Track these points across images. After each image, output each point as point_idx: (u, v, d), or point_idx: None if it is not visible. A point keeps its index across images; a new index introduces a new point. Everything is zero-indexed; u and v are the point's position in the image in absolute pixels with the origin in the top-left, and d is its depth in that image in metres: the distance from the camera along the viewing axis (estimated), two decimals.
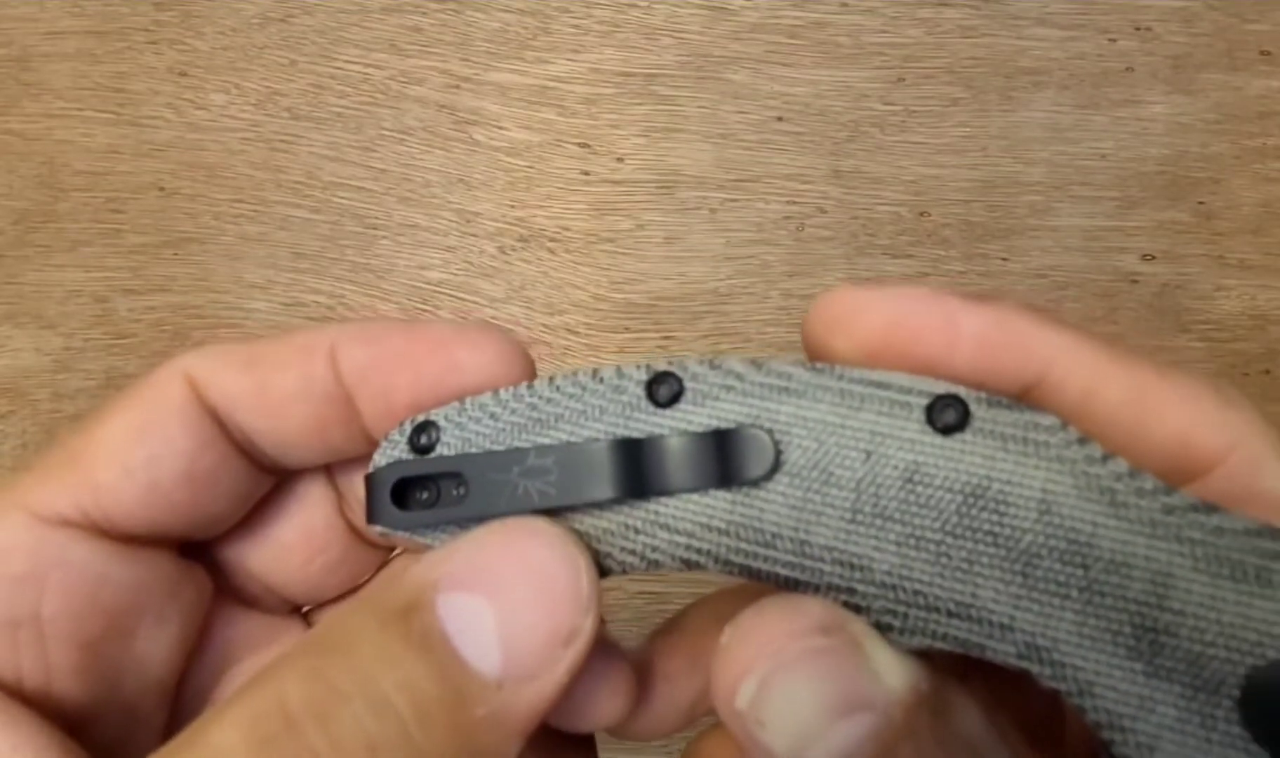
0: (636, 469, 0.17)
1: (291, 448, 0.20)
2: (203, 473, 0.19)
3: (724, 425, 0.17)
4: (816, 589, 0.17)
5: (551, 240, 0.43)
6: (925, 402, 0.17)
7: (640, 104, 0.43)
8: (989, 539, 0.16)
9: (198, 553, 0.21)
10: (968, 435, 0.17)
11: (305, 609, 0.23)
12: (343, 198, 0.43)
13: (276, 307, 0.43)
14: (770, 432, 0.17)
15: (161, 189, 0.44)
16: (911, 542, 0.17)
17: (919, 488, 0.17)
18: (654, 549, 0.18)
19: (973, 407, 0.17)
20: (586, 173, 0.43)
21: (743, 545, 0.17)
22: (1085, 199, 0.42)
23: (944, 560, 0.16)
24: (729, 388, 0.17)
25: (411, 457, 0.19)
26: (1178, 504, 0.16)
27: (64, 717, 0.18)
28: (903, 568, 0.17)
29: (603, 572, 0.18)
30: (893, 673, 0.16)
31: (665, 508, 0.17)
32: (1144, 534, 0.16)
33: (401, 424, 0.19)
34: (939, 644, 0.17)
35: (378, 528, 0.19)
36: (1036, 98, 0.42)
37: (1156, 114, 0.42)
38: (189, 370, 0.19)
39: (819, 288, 0.42)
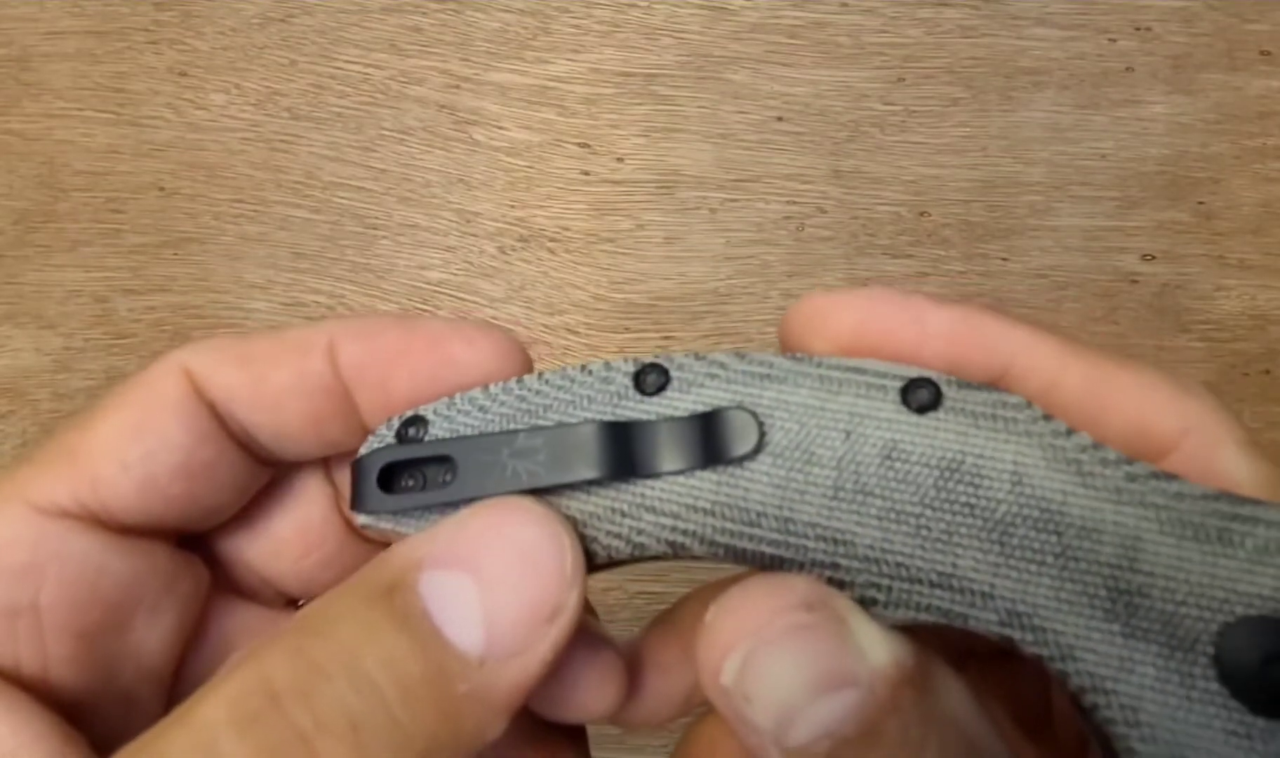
0: (623, 450, 0.18)
1: (289, 441, 0.20)
2: (200, 466, 0.19)
3: (709, 409, 0.18)
4: (801, 567, 0.17)
5: (551, 240, 0.43)
6: (900, 384, 0.18)
7: (640, 104, 0.43)
8: (966, 511, 0.17)
9: (195, 545, 0.21)
10: (941, 414, 0.17)
11: (301, 602, 0.23)
12: (343, 198, 0.43)
13: (276, 307, 0.43)
14: (754, 413, 0.18)
15: (161, 189, 0.44)
16: (892, 516, 0.17)
17: (897, 464, 0.17)
18: (640, 532, 0.18)
19: (944, 388, 0.18)
20: (586, 173, 0.43)
21: (728, 525, 0.18)
22: (1085, 199, 0.42)
23: (924, 533, 0.17)
24: (713, 375, 0.18)
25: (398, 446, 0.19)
26: (1139, 473, 0.17)
27: (61, 705, 0.18)
28: (884, 541, 0.17)
29: (589, 559, 0.18)
30: (877, 648, 0.16)
31: (651, 490, 0.18)
32: (1111, 501, 0.17)
33: (389, 420, 0.19)
34: (923, 616, 0.17)
35: (362, 517, 0.19)
36: (1036, 98, 0.42)
37: (1156, 114, 0.42)
38: (187, 364, 0.19)
39: (819, 288, 0.42)
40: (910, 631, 0.17)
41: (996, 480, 0.17)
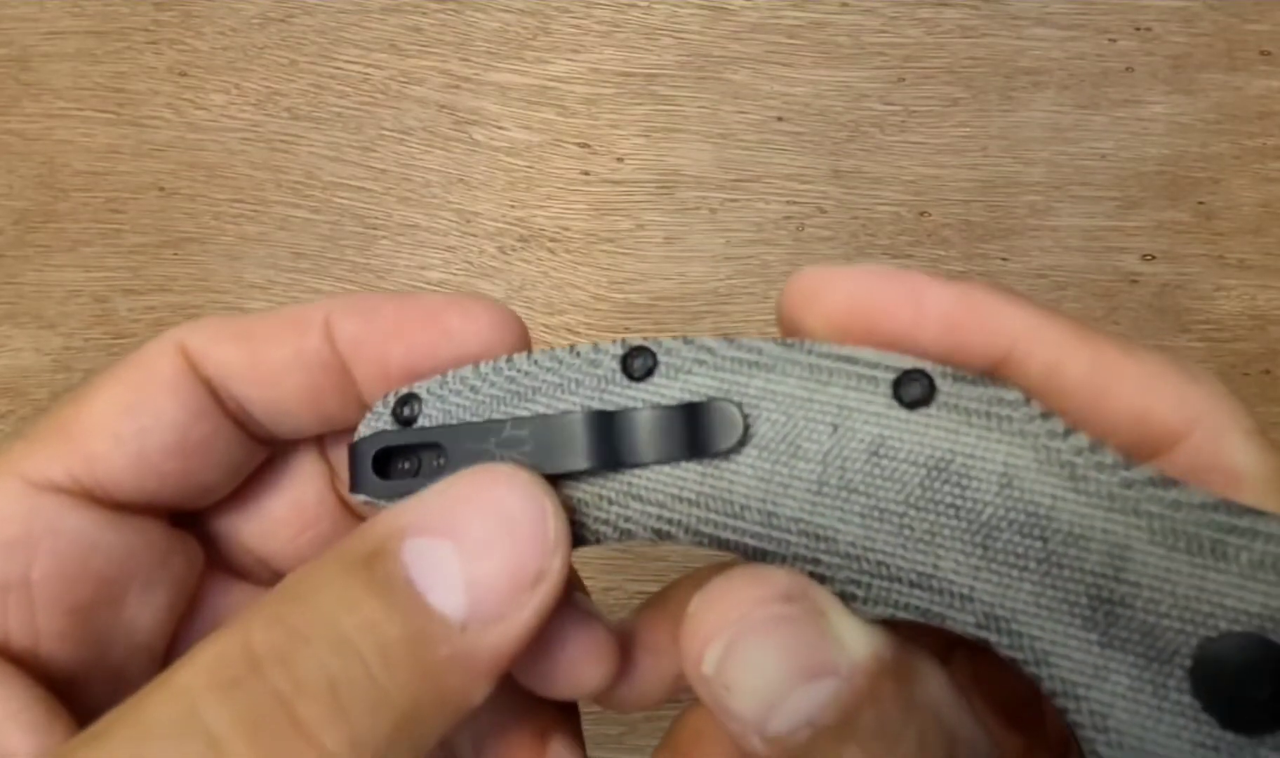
0: (609, 441, 0.18)
1: (286, 418, 0.20)
2: (195, 443, 0.19)
3: (695, 399, 0.18)
4: (783, 560, 0.17)
5: (551, 240, 0.43)
6: (892, 376, 0.17)
7: (640, 104, 0.43)
8: (951, 512, 0.17)
9: (190, 523, 0.21)
10: (933, 410, 0.17)
11: None
12: (343, 198, 0.43)
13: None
14: (740, 405, 0.17)
15: (161, 189, 0.44)
16: (875, 514, 0.17)
17: (884, 461, 0.17)
18: (627, 519, 0.18)
19: (938, 381, 0.17)
20: (586, 173, 0.43)
21: (712, 516, 0.18)
22: (1085, 199, 0.42)
23: (907, 532, 0.17)
24: (701, 362, 0.18)
25: (395, 428, 0.19)
26: (1136, 478, 0.16)
27: (51, 680, 0.18)
28: (866, 540, 0.17)
29: (578, 541, 0.18)
30: (855, 640, 0.17)
31: (638, 479, 0.18)
32: (1102, 508, 0.16)
33: (385, 397, 0.19)
34: (901, 614, 0.17)
35: (360, 497, 0.19)
36: (1036, 98, 0.42)
37: (1156, 114, 0.42)
38: (183, 342, 0.19)
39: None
40: (892, 622, 0.17)
41: (984, 482, 0.17)
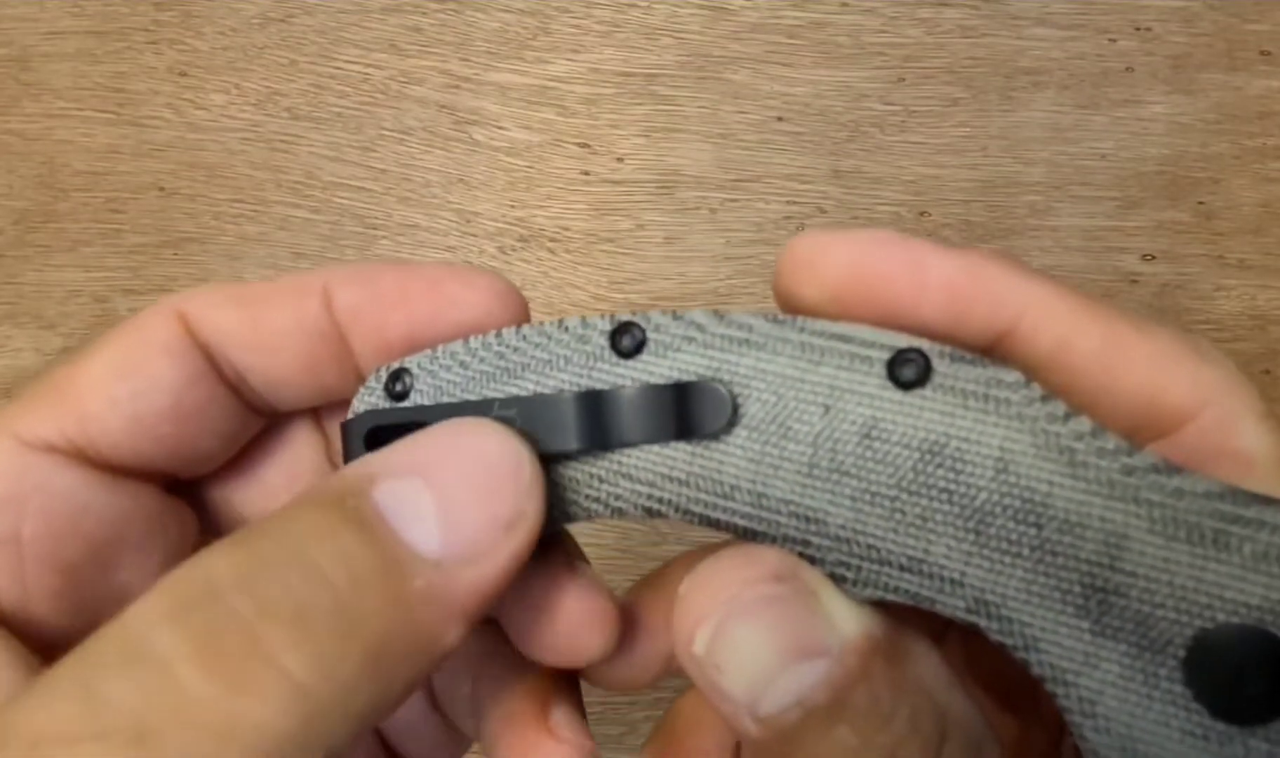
0: (598, 421, 0.17)
1: (283, 386, 0.20)
2: (190, 408, 0.19)
3: (684, 378, 0.17)
4: (773, 541, 0.17)
5: (551, 240, 0.43)
6: (887, 356, 0.17)
7: (640, 104, 0.43)
8: (944, 496, 0.16)
9: (185, 492, 0.21)
10: (928, 391, 0.16)
11: None
12: (343, 198, 0.43)
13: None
14: (729, 385, 0.17)
15: (161, 189, 0.44)
16: (866, 497, 0.17)
17: (876, 444, 0.17)
18: (617, 498, 0.18)
19: (935, 361, 0.16)
20: (586, 173, 0.43)
21: (702, 496, 0.17)
22: (1085, 199, 0.42)
23: (898, 516, 0.16)
24: (690, 338, 0.17)
25: (387, 403, 0.19)
26: (1138, 465, 0.16)
27: (39, 639, 0.18)
28: (857, 522, 0.17)
29: (570, 517, 0.18)
30: (846, 620, 0.16)
31: (628, 458, 0.18)
32: (1101, 495, 0.16)
33: (377, 370, 0.19)
34: (891, 597, 0.17)
35: None
36: (1036, 98, 0.42)
37: (1156, 114, 0.42)
38: (181, 307, 0.19)
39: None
40: (883, 603, 0.17)
41: (979, 467, 0.16)
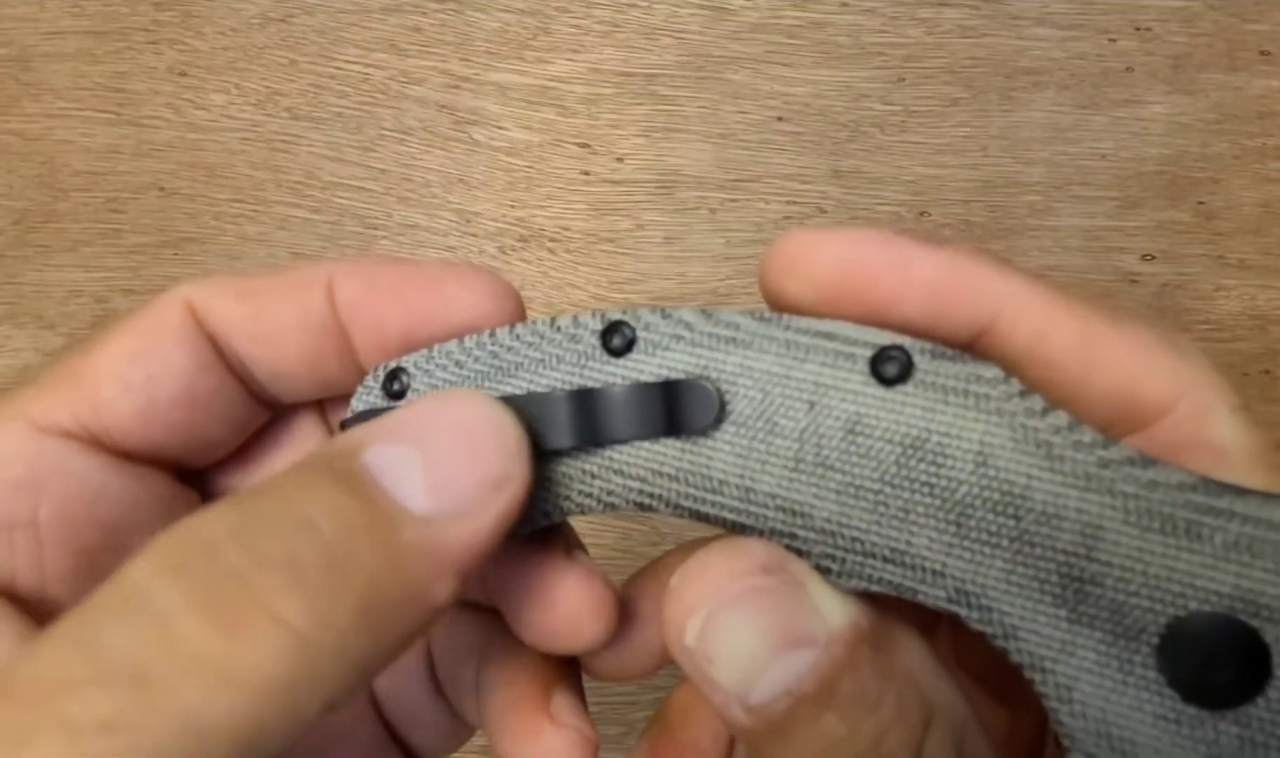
0: (590, 419, 0.18)
1: (286, 379, 0.20)
2: (200, 396, 0.20)
3: (673, 376, 0.18)
4: (761, 534, 0.18)
5: (551, 240, 0.43)
6: (870, 353, 0.17)
7: (640, 104, 0.43)
8: (925, 490, 0.17)
9: (193, 481, 0.21)
10: (910, 388, 0.17)
11: None
12: (343, 198, 0.43)
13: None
14: (717, 383, 0.18)
15: (161, 189, 0.44)
16: (851, 491, 0.17)
17: (860, 439, 0.17)
18: (609, 493, 0.18)
19: (916, 358, 0.17)
20: (586, 173, 0.43)
21: (691, 491, 0.18)
22: (1085, 199, 0.42)
23: (881, 509, 0.17)
24: (679, 337, 0.18)
25: (385, 402, 0.19)
26: (1114, 457, 0.16)
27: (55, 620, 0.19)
28: (841, 516, 0.17)
29: (563, 510, 0.19)
30: (833, 610, 0.17)
31: (620, 455, 0.18)
32: (1077, 488, 0.16)
33: (375, 370, 0.20)
34: (874, 588, 0.17)
35: None
36: (1036, 98, 0.42)
37: (1156, 114, 0.42)
38: (189, 297, 0.20)
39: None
40: (863, 595, 0.17)
41: (960, 461, 0.17)
